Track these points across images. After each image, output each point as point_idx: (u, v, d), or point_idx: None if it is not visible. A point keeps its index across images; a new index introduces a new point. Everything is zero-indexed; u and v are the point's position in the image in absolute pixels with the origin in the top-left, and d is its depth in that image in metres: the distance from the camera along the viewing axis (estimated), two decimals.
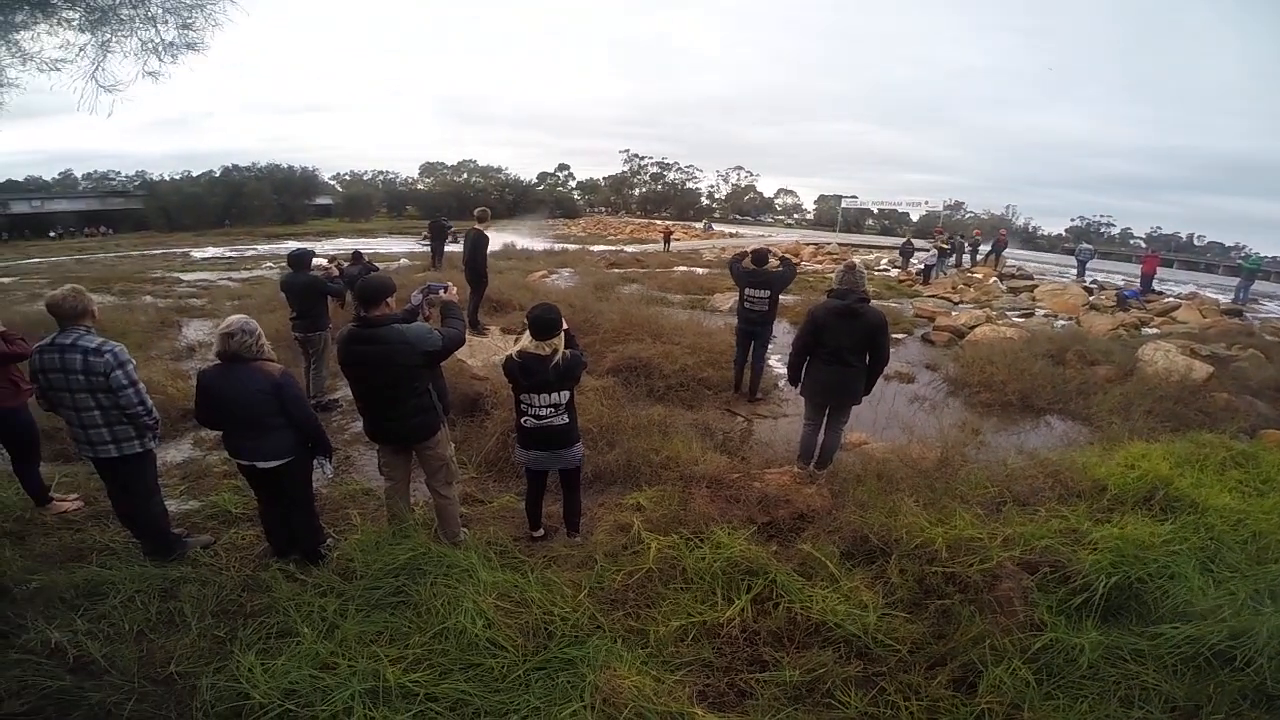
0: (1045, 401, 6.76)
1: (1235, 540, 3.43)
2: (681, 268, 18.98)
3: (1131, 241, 61.32)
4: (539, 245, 26.75)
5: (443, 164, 77.08)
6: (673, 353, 7.14)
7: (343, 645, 2.60)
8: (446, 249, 15.66)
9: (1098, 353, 8.21)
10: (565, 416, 3.44)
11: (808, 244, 30.76)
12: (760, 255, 6.40)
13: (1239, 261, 23.79)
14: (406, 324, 3.23)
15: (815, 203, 79.72)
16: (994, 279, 17.91)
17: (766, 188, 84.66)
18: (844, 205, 48.81)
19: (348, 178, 72.78)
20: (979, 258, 22.60)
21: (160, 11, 4.64)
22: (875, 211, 58.63)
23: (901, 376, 7.72)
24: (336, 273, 6.86)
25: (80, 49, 4.51)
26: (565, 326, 3.44)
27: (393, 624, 2.76)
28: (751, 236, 37.05)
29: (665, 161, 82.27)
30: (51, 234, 44.89)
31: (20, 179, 55.51)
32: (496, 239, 8.71)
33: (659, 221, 52.93)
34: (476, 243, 7.99)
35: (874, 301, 4.42)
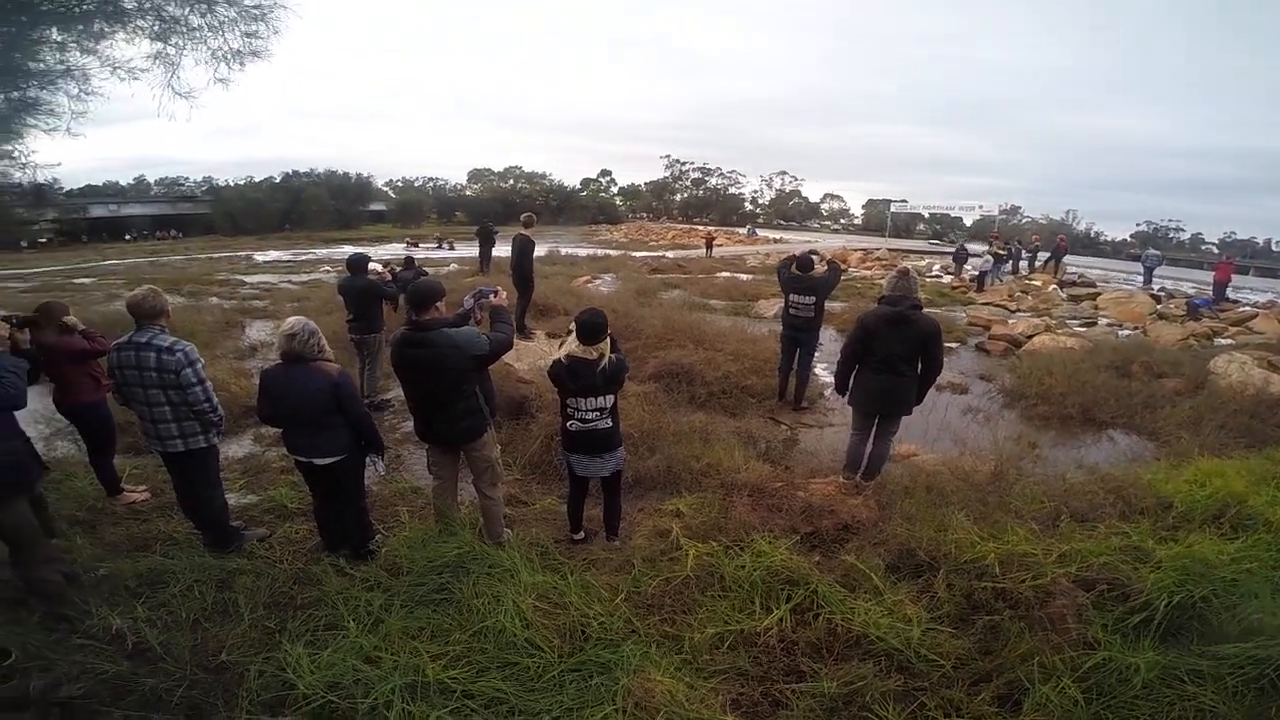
0: (1108, 415, 6.44)
1: None
2: (724, 273, 18.89)
3: (1203, 247, 58.23)
4: (582, 251, 27.03)
5: (490, 170, 79.02)
6: (715, 359, 7.10)
7: (386, 640, 2.67)
8: (493, 254, 15.98)
9: (1166, 364, 7.82)
10: (609, 420, 3.47)
11: (855, 249, 30.19)
12: (805, 260, 6.31)
13: None
14: (456, 328, 3.31)
15: (863, 207, 78.56)
16: (1053, 286, 17.20)
17: (812, 192, 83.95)
18: (893, 209, 47.62)
19: (400, 184, 75.08)
20: (1037, 264, 21.75)
21: (226, 20, 4.88)
22: (926, 216, 57.21)
23: (954, 387, 7.49)
24: (389, 277, 7.08)
25: (154, 58, 4.77)
26: (610, 332, 3.48)
27: (435, 620, 2.82)
28: (797, 242, 36.60)
29: (707, 167, 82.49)
30: (127, 237, 47.77)
31: (99, 184, 59.18)
32: (540, 245, 8.85)
33: (701, 227, 52.75)
34: (523, 248, 8.11)
35: (926, 309, 4.31)
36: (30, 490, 2.97)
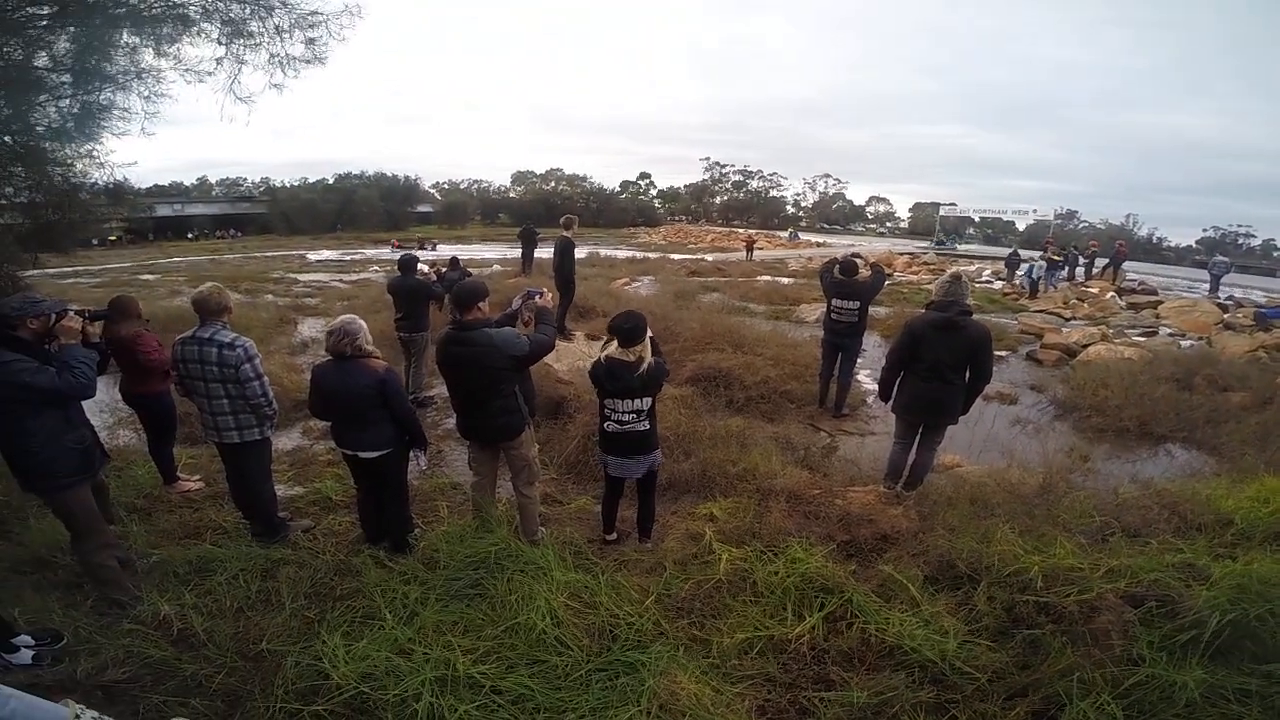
0: (1167, 429, 6.15)
1: None
2: (765, 277, 18.72)
3: (1275, 254, 54.91)
4: (621, 253, 27.14)
5: (532, 173, 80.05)
6: (754, 364, 7.05)
7: (420, 632, 2.72)
8: (536, 255, 16.19)
9: (1232, 377, 7.42)
10: (646, 423, 3.47)
11: (901, 253, 29.55)
12: (849, 265, 6.20)
13: None
14: (497, 328, 3.36)
15: (910, 210, 76.83)
16: (1111, 293, 16.51)
17: (857, 195, 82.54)
18: (942, 213, 46.44)
19: (445, 186, 76.70)
20: (1095, 270, 20.89)
21: (287, 26, 5.09)
22: (976, 220, 55.60)
23: (1003, 397, 7.25)
24: (435, 277, 7.26)
25: (218, 61, 5.01)
26: (650, 334, 3.49)
27: (468, 615, 2.87)
28: (841, 246, 36.05)
29: (748, 169, 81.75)
30: (189, 235, 50.05)
31: (165, 184, 62.12)
32: (580, 247, 8.94)
33: (741, 230, 52.39)
34: (564, 249, 8.19)
35: (975, 315, 4.19)
36: (94, 477, 3.13)
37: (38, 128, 4.83)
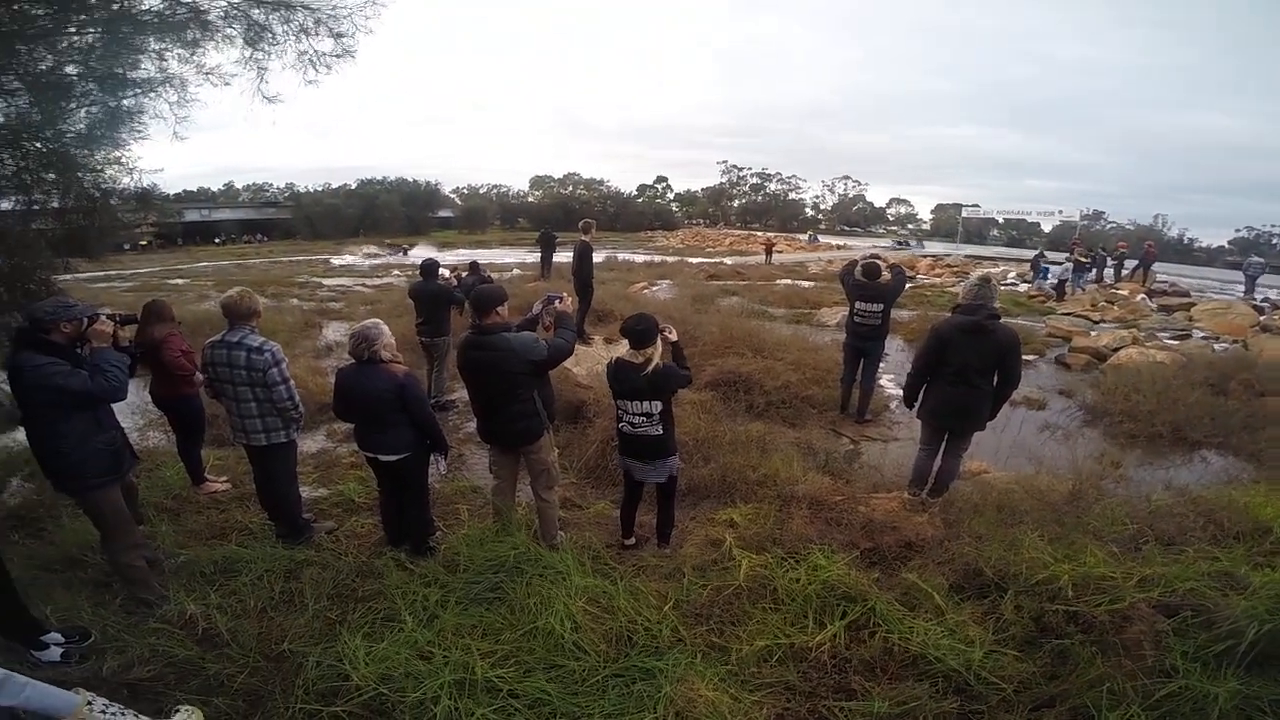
0: (1201, 434, 5.98)
1: None
2: (785, 280, 18.59)
3: None
4: (638, 257, 27.16)
5: (550, 177, 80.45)
6: (775, 368, 6.98)
7: (440, 635, 2.73)
8: (554, 259, 16.27)
9: (1270, 381, 7.17)
10: (659, 428, 3.45)
11: (924, 256, 29.19)
12: (871, 268, 6.12)
13: None
14: (515, 333, 3.37)
15: (932, 212, 75.95)
16: (1141, 296, 16.13)
17: (877, 197, 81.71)
18: (965, 215, 45.82)
19: (465, 191, 77.47)
20: (1124, 272, 20.44)
21: (312, 24, 5.17)
22: (1000, 221, 54.77)
23: (1030, 402, 7.09)
24: (455, 282, 7.31)
25: (243, 64, 5.12)
26: (674, 338, 3.47)
27: (487, 619, 2.88)
28: (862, 249, 35.69)
29: (765, 172, 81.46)
30: (217, 240, 51.10)
31: (193, 189, 63.57)
32: (597, 251, 8.94)
33: (760, 233, 52.14)
34: (583, 253, 8.21)
35: (1002, 319, 4.11)
36: (124, 478, 3.19)
37: (68, 134, 4.94)
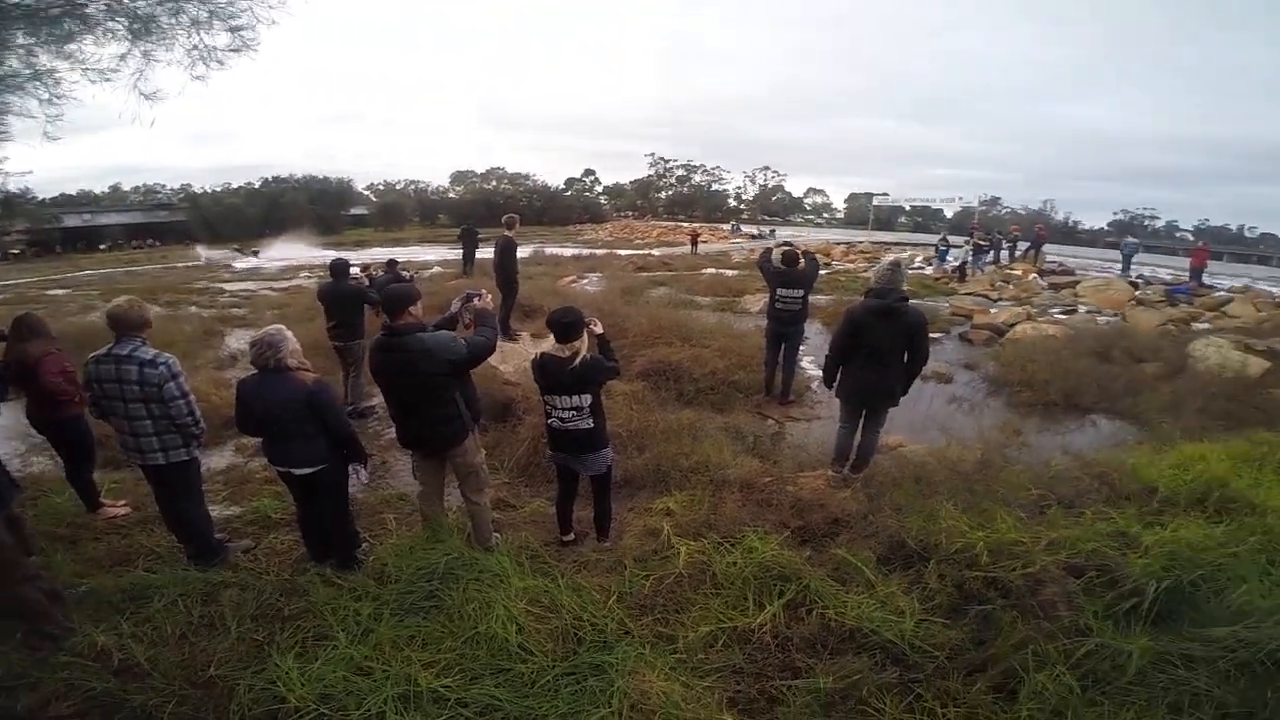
0: (1090, 400, 6.54)
1: None
2: (710, 270, 18.90)
3: (1177, 235, 59.01)
4: (567, 250, 26.96)
5: (472, 172, 78.29)
6: (702, 356, 7.11)
7: (377, 649, 2.63)
8: (477, 255, 15.88)
9: (1145, 349, 7.94)
10: (590, 421, 3.42)
11: (838, 243, 30.35)
12: (791, 255, 6.32)
13: None
14: (429, 332, 3.25)
15: (845, 201, 78.97)
16: (1034, 275, 17.41)
17: (795, 187, 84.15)
18: (875, 203, 48.03)
19: (381, 188, 74.28)
20: (1017, 254, 22.00)
21: (205, 16, 4.76)
22: (908, 208, 57.60)
23: (939, 376, 7.54)
24: (368, 281, 7.01)
25: (122, 58, 4.66)
26: (600, 331, 3.45)
27: (425, 628, 2.78)
28: (782, 236, 36.71)
29: (691, 164, 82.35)
30: (102, 246, 46.70)
31: (73, 193, 58.01)
32: (524, 246, 8.81)
33: (686, 224, 52.74)
34: (506, 249, 8.06)
35: (910, 300, 4.32)
36: (6, 509, 2.89)
37: None
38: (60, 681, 2.53)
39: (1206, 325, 11.07)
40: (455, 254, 20.87)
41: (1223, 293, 14.63)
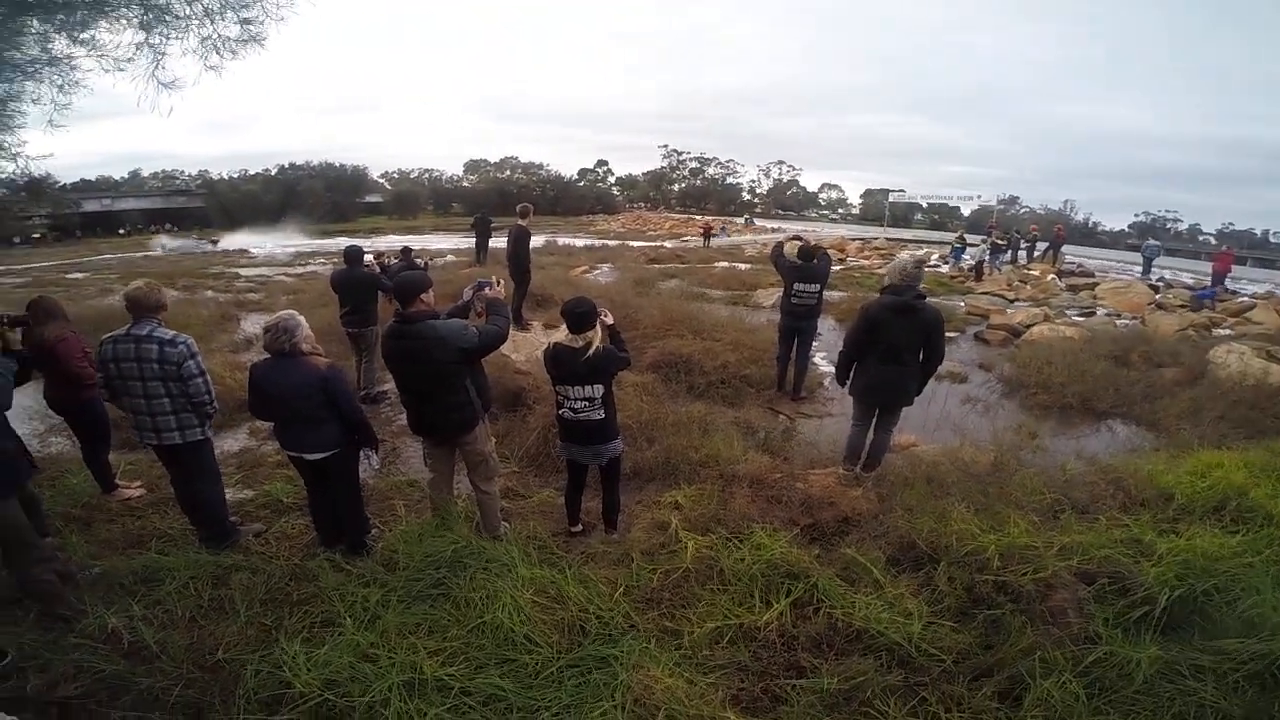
0: (1107, 405, 6.43)
1: None
2: (723, 263, 18.80)
3: (1200, 238, 58.08)
4: (579, 241, 26.94)
5: (486, 161, 78.31)
6: (714, 349, 7.07)
7: (383, 636, 2.64)
8: (490, 244, 15.91)
9: (1165, 354, 7.80)
10: (601, 411, 3.41)
11: (853, 239, 30.12)
12: (808, 250, 6.25)
13: None
14: (442, 320, 3.25)
15: (861, 197, 78.26)
16: (1052, 276, 17.16)
17: (810, 182, 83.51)
18: (891, 199, 47.49)
19: (395, 176, 74.51)
20: (1035, 254, 21.72)
21: (218, 6, 4.79)
22: (924, 206, 57.12)
23: (954, 376, 7.45)
24: (380, 269, 7.03)
25: (137, 47, 4.69)
26: (611, 323, 3.43)
27: (432, 616, 2.79)
28: (795, 231, 36.46)
29: (704, 157, 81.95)
30: (120, 231, 47.34)
31: (93, 178, 58.64)
32: (537, 235, 8.80)
33: (699, 217, 52.56)
34: (519, 238, 8.05)
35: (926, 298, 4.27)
36: (20, 490, 2.92)
37: None
38: (70, 663, 2.57)
39: (1228, 331, 10.88)
40: (468, 242, 20.92)
41: (1246, 298, 14.37)
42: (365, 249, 7.32)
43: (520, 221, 8.05)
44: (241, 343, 8.84)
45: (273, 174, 60.27)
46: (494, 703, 2.37)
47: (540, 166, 76.13)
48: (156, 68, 4.78)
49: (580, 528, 3.86)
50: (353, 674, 2.43)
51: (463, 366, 3.25)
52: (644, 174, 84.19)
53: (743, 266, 17.76)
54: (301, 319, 3.24)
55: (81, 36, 4.59)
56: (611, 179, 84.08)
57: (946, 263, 20.44)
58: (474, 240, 17.03)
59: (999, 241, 18.96)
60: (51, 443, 5.09)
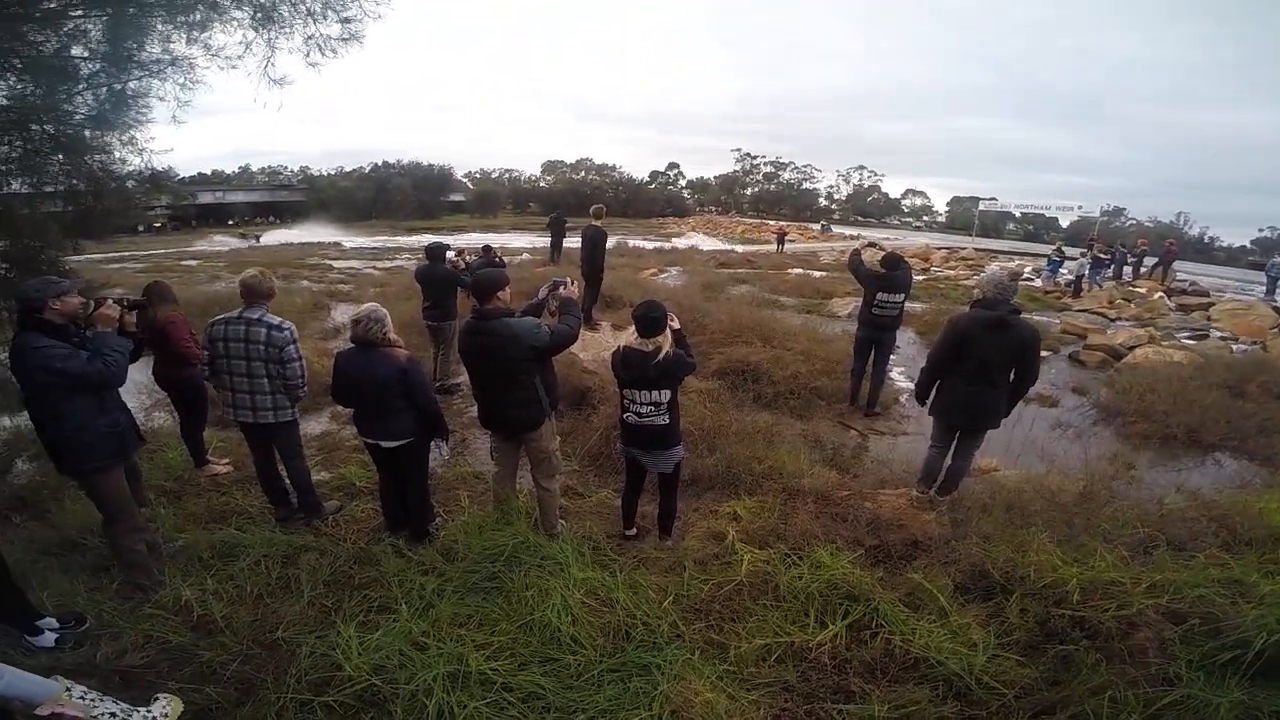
0: (1216, 437, 5.85)
1: None
2: (797, 270, 18.41)
3: None
4: (649, 244, 27.03)
5: (562, 162, 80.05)
6: (784, 358, 6.91)
7: (435, 625, 2.71)
8: (564, 244, 16.19)
9: None
10: (666, 417, 3.39)
11: (939, 248, 28.86)
12: (893, 258, 6.01)
13: None
14: (516, 318, 3.32)
15: (948, 204, 74.82)
16: (1160, 294, 15.84)
17: (893, 188, 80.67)
18: (981, 207, 45.11)
19: (478, 175, 77.21)
20: (1143, 270, 20.08)
21: (319, 8, 5.14)
22: (1018, 215, 53.99)
23: (1043, 399, 6.97)
24: (462, 265, 7.27)
25: (248, 46, 5.08)
26: (677, 326, 3.41)
27: (484, 609, 2.85)
28: (874, 239, 35.29)
29: (780, 160, 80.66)
30: (229, 222, 51.37)
31: (209, 172, 63.86)
32: (609, 237, 8.88)
33: (772, 221, 51.68)
34: (595, 239, 8.12)
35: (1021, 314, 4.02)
36: (128, 460, 3.17)
37: (75, 116, 4.92)
38: (140, 633, 2.75)
39: None
40: (543, 241, 21.37)
41: None
42: (447, 246, 7.60)
43: (595, 222, 8.13)
44: (330, 330, 9.36)
45: (366, 171, 63.67)
46: (533, 700, 2.39)
47: (613, 168, 77.20)
48: (268, 65, 5.16)
49: (635, 531, 3.85)
50: (401, 660, 2.50)
51: (534, 364, 3.30)
52: (716, 177, 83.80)
53: (817, 274, 17.33)
54: (385, 313, 3.39)
55: (199, 37, 4.99)
56: (683, 181, 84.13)
57: (1041, 276, 19.25)
58: (549, 239, 17.37)
59: (1100, 255, 17.65)
60: (155, 417, 5.52)
